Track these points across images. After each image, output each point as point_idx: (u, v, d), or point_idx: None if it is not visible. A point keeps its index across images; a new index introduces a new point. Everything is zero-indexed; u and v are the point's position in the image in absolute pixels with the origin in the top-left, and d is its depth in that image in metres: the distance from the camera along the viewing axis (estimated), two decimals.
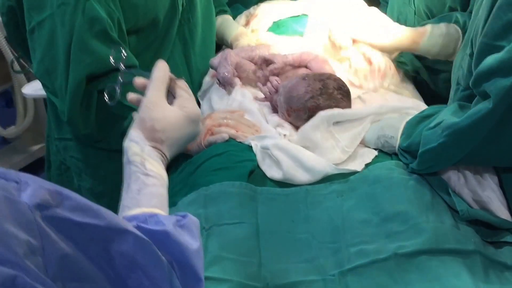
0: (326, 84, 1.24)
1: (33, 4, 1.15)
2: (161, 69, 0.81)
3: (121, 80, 0.89)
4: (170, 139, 0.79)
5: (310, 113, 1.22)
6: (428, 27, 1.33)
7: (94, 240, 0.53)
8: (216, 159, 1.17)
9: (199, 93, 1.47)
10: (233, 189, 1.05)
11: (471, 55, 1.02)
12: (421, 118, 1.09)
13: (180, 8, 1.33)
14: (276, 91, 1.33)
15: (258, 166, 1.13)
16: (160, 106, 0.78)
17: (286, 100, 1.26)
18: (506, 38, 0.90)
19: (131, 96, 0.85)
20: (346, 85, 1.27)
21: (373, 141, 1.16)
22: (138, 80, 0.83)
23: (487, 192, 1.03)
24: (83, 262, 0.52)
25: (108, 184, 1.38)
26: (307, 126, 1.19)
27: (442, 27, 1.30)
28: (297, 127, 1.25)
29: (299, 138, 1.20)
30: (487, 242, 0.97)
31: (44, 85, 1.25)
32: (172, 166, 1.38)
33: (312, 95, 1.23)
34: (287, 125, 1.27)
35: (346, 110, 1.21)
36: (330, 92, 1.23)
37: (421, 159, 1.03)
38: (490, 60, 0.90)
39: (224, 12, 1.67)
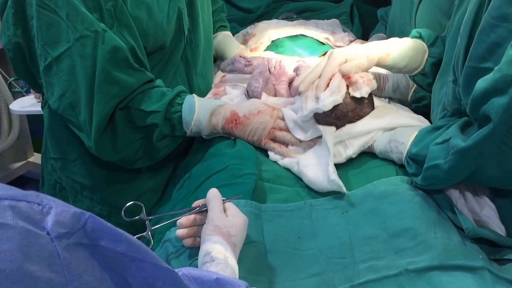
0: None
1: (48, 39, 1.13)
2: (215, 192, 0.98)
3: (150, 229, 1.03)
4: (240, 243, 0.93)
5: (337, 116, 1.18)
6: (397, 38, 1.31)
7: (112, 267, 0.52)
8: (217, 176, 1.17)
9: None
10: (239, 208, 1.04)
11: (454, 81, 1.05)
12: (433, 128, 1.10)
13: (186, 32, 1.33)
14: None
15: (260, 179, 1.13)
16: (225, 215, 0.94)
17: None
18: (491, 59, 0.93)
19: (187, 241, 0.99)
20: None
21: (383, 145, 1.16)
22: (181, 221, 0.98)
23: (485, 211, 1.05)
24: None
25: (106, 205, 1.37)
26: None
27: (409, 40, 1.29)
28: None
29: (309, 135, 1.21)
30: (490, 259, 0.99)
31: (68, 120, 1.22)
32: (170, 181, 1.38)
33: (344, 100, 1.18)
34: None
35: (354, 127, 1.19)
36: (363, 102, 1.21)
37: (425, 175, 1.04)
38: (482, 83, 0.92)
39: (224, 28, 1.68)
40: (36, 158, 2.57)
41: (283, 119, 1.25)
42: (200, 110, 1.22)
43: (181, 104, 1.21)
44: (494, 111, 0.90)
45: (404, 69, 1.30)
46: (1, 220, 0.43)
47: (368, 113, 1.22)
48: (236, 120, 1.22)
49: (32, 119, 2.50)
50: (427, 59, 1.27)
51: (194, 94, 1.26)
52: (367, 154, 1.21)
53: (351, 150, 1.17)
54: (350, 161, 1.19)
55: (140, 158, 1.25)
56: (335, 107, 1.16)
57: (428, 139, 1.07)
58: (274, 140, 1.23)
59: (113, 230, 0.52)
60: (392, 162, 1.17)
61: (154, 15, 1.23)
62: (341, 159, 1.17)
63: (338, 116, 1.19)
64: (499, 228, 1.04)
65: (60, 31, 1.11)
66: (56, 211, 0.48)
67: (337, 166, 1.17)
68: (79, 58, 1.12)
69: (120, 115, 1.19)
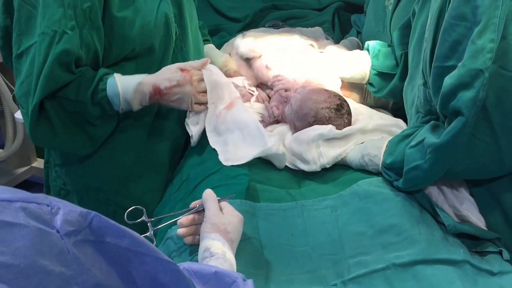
0: (343, 104, 1.33)
1: (24, 30, 1.21)
2: (210, 193, 1.02)
3: (152, 229, 1.07)
4: (236, 239, 0.96)
5: (316, 120, 1.31)
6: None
7: (117, 262, 0.55)
8: (212, 177, 1.23)
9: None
10: (235, 207, 1.09)
11: (424, 84, 1.11)
12: (402, 137, 1.16)
13: (174, 36, 1.39)
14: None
15: (252, 180, 1.19)
16: (222, 214, 0.98)
17: (303, 99, 1.34)
18: (454, 57, 0.98)
19: (188, 239, 1.03)
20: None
21: (357, 160, 1.22)
22: (181, 221, 1.02)
23: (465, 205, 1.10)
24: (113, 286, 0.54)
25: (110, 205, 1.42)
26: (299, 136, 1.28)
27: (359, 52, 1.45)
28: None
29: (289, 143, 1.30)
30: (472, 251, 1.04)
31: (21, 107, 1.29)
32: (168, 184, 1.43)
33: (329, 106, 1.31)
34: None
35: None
36: (343, 113, 1.32)
37: (406, 177, 1.09)
38: (448, 80, 0.97)
39: (207, 41, 1.73)
40: (39, 163, 2.60)
41: (202, 79, 1.35)
42: (124, 90, 1.26)
43: (105, 89, 1.25)
44: (464, 105, 0.94)
45: (353, 79, 1.45)
46: (14, 220, 0.47)
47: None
48: (159, 93, 1.28)
49: None
50: (370, 71, 1.39)
51: (116, 74, 1.28)
52: None
53: (325, 159, 1.23)
54: (336, 164, 1.26)
55: (82, 145, 1.31)
56: (320, 113, 1.30)
57: (401, 147, 1.12)
58: (200, 103, 1.35)
59: (117, 227, 0.55)
60: None
61: (141, 15, 1.29)
62: (316, 167, 1.24)
63: (318, 122, 1.30)
64: (479, 220, 1.09)
65: (35, 25, 1.19)
66: (64, 211, 0.51)
67: (325, 170, 1.26)
68: (37, 52, 1.19)
69: (50, 104, 1.24)
